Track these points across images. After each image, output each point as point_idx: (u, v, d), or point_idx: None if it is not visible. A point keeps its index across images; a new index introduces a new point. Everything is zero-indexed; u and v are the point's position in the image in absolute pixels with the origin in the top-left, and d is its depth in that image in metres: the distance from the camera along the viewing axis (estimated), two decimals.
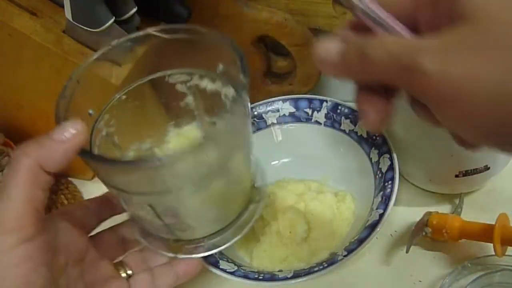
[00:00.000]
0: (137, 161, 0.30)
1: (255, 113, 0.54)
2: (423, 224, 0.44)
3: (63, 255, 0.34)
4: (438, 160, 0.46)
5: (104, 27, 0.43)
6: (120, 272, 0.38)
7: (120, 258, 0.40)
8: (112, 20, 0.43)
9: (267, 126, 0.54)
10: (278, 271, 0.44)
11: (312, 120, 0.53)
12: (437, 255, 0.46)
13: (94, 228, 0.39)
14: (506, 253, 0.42)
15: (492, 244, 0.41)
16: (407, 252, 0.45)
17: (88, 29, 0.44)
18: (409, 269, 0.45)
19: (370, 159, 0.48)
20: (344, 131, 0.51)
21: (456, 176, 0.46)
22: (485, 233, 0.42)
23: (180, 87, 0.39)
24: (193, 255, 0.38)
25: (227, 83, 0.36)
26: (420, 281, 0.44)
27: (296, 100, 0.53)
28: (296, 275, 0.41)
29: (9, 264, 0.29)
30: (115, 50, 0.36)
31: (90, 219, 0.39)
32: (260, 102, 0.54)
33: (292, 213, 0.47)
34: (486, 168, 0.45)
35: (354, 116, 0.50)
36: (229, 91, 0.36)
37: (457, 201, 0.48)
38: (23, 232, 0.29)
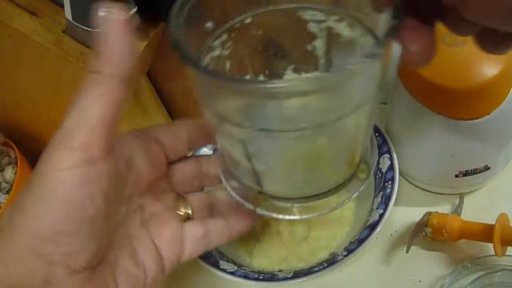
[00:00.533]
0: (248, 81, 0.25)
1: None
2: (423, 224, 0.44)
3: (132, 184, 0.32)
4: (438, 160, 0.46)
5: None
6: (180, 209, 0.36)
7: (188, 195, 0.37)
8: None
9: None
10: (278, 271, 0.44)
11: None
12: (437, 255, 0.46)
13: (178, 157, 0.36)
14: (506, 253, 0.42)
15: (492, 244, 0.41)
16: (407, 252, 0.45)
17: (88, 29, 0.44)
18: (409, 269, 0.45)
19: None
20: None
21: (456, 176, 0.46)
22: (485, 233, 0.42)
23: (312, 27, 0.32)
24: (273, 214, 0.34)
25: (368, 32, 0.29)
26: (420, 281, 0.44)
27: None
28: (296, 275, 0.41)
29: (63, 184, 0.26)
30: None
31: (177, 148, 0.35)
32: None
33: None
34: (486, 168, 0.45)
35: None
36: (369, 42, 0.30)
37: (457, 201, 0.48)
38: (88, 152, 0.26)
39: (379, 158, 0.47)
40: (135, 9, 0.45)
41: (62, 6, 0.44)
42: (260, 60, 0.35)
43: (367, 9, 0.28)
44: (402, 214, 0.49)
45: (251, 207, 0.34)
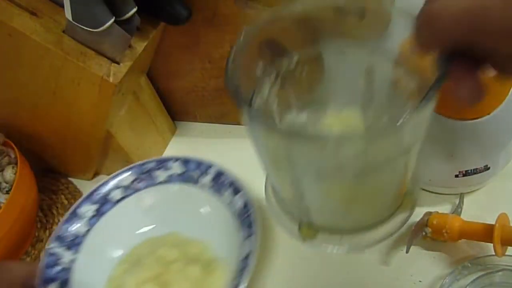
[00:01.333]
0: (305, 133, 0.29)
1: (144, 169, 0.54)
2: (423, 224, 0.44)
3: None
4: (438, 160, 0.46)
5: (104, 27, 0.43)
6: None
7: None
8: (112, 20, 0.43)
9: (158, 183, 0.54)
10: None
11: (199, 184, 0.52)
12: (437, 255, 0.46)
13: None
14: (506, 253, 0.42)
15: (492, 244, 0.41)
16: (407, 252, 0.45)
17: (88, 29, 0.44)
18: (409, 269, 0.45)
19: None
20: (225, 201, 0.50)
21: (456, 176, 0.46)
22: (485, 233, 0.42)
23: (354, 66, 0.34)
24: (321, 247, 0.35)
25: (408, 73, 0.31)
26: (420, 281, 0.44)
27: (186, 161, 0.53)
28: None
29: None
30: None
31: None
32: (151, 159, 0.54)
33: (151, 286, 0.47)
34: (486, 168, 0.45)
35: (234, 188, 0.49)
36: (411, 83, 0.31)
37: (457, 201, 0.48)
38: None
39: (247, 237, 0.47)
40: (135, 9, 0.45)
41: (62, 6, 0.44)
42: (305, 96, 0.36)
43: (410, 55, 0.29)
44: None
45: (299, 240, 0.36)
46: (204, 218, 0.52)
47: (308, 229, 0.36)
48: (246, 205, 0.47)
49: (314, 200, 0.33)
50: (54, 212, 0.61)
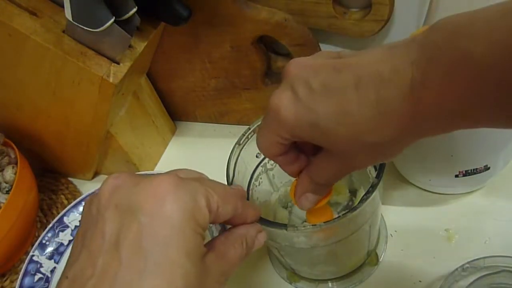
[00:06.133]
0: (270, 223, 0.38)
1: None
2: None
3: None
4: (438, 160, 0.46)
5: (104, 27, 0.43)
6: None
7: None
8: (112, 20, 0.43)
9: None
10: None
11: None
12: (437, 255, 0.46)
13: None
14: (506, 255, 0.42)
15: (491, 244, 0.41)
16: None
17: (88, 29, 0.44)
18: (409, 269, 0.45)
19: None
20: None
21: (456, 176, 0.46)
22: None
23: None
24: None
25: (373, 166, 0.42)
26: (420, 281, 0.44)
27: None
28: None
29: None
30: None
31: None
32: (138, 173, 0.54)
33: None
34: (486, 168, 0.45)
35: None
36: (372, 170, 0.42)
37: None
38: None
39: None
40: (135, 9, 0.45)
41: (62, 6, 0.44)
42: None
43: None
44: (402, 214, 0.49)
45: (287, 282, 0.47)
46: None
47: (293, 275, 0.47)
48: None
49: (290, 259, 0.44)
50: (54, 212, 0.61)
